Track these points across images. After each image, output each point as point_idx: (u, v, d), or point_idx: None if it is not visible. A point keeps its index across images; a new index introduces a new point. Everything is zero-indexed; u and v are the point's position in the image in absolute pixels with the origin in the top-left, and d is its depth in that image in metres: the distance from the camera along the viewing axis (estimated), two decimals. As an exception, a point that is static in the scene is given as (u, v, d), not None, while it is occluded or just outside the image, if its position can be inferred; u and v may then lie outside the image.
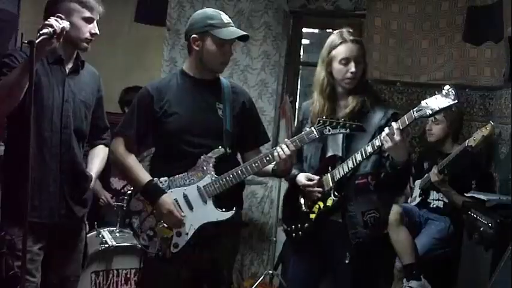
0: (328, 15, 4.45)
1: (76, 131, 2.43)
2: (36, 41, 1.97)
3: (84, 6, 2.36)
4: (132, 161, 2.45)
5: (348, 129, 2.27)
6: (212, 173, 2.37)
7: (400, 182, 2.59)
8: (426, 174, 3.53)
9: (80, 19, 2.36)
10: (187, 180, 2.39)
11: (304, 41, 4.68)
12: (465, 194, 3.37)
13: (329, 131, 2.27)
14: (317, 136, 2.29)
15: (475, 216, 3.10)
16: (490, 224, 2.92)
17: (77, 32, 2.35)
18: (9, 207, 2.33)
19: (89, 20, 2.38)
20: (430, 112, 2.21)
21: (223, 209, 2.38)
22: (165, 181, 2.40)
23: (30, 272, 2.29)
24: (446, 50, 4.03)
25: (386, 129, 2.25)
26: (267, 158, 2.34)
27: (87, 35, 2.39)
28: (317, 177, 2.48)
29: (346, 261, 2.41)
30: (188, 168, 2.39)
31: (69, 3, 2.34)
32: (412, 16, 4.13)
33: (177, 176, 2.40)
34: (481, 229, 2.98)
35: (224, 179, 2.36)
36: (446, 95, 2.18)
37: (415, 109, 2.24)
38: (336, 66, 2.47)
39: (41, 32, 2.04)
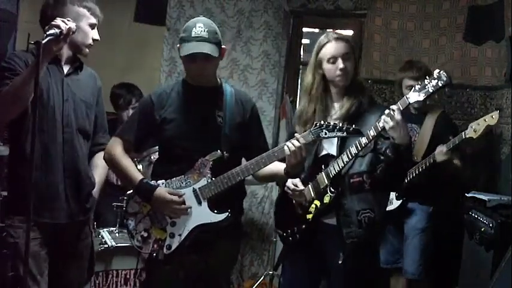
0: (328, 14, 4.45)
1: (79, 130, 2.43)
2: (43, 42, 1.95)
3: (92, 13, 2.42)
4: (127, 162, 2.47)
5: (345, 133, 2.25)
6: (208, 175, 2.36)
7: (400, 171, 2.49)
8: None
9: (86, 25, 2.40)
10: (184, 183, 2.40)
11: (304, 41, 4.67)
12: (466, 194, 3.35)
13: (325, 134, 2.26)
14: (313, 138, 2.28)
15: (475, 216, 3.10)
16: (490, 225, 2.91)
17: (83, 37, 2.40)
18: (15, 209, 2.32)
19: (93, 26, 2.43)
20: (424, 96, 2.22)
21: (218, 211, 2.37)
22: (162, 184, 2.41)
23: (34, 276, 2.27)
24: (447, 50, 4.02)
25: (386, 111, 2.25)
26: (263, 160, 2.33)
27: (90, 40, 2.44)
28: (302, 187, 2.42)
29: (340, 262, 2.38)
30: (186, 171, 2.40)
31: (79, 8, 2.38)
32: (413, 16, 4.14)
33: (174, 178, 2.41)
34: (482, 229, 2.98)
35: (219, 181, 2.35)
36: (438, 78, 2.19)
37: (408, 94, 2.25)
38: (326, 66, 2.47)
39: (47, 33, 2.02)
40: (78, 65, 2.47)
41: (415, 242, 3.43)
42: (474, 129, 3.04)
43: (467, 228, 3.23)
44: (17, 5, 4.13)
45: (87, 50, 2.44)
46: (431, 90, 2.21)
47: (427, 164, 3.28)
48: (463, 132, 3.07)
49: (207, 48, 2.33)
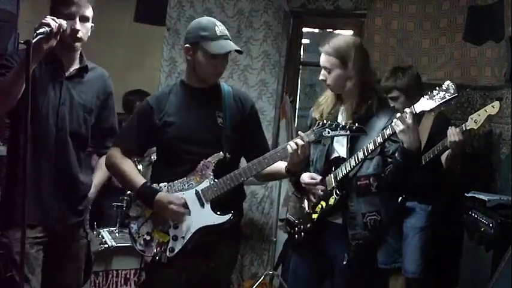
0: (328, 14, 4.45)
1: (72, 135, 2.39)
2: (33, 41, 1.94)
3: (62, 3, 2.30)
4: (128, 167, 2.46)
5: (348, 131, 2.25)
6: (211, 177, 2.36)
7: (408, 176, 2.41)
8: None
9: (60, 16, 2.25)
10: (186, 185, 2.39)
11: (304, 41, 4.67)
12: (466, 194, 3.35)
13: (328, 133, 2.27)
14: (316, 137, 2.28)
15: (475, 216, 3.10)
16: (490, 225, 2.91)
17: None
18: (6, 209, 2.32)
19: (68, 16, 2.29)
20: (431, 107, 2.23)
21: (221, 213, 2.37)
22: (164, 186, 2.40)
23: (25, 275, 2.24)
24: (447, 50, 4.02)
25: (398, 114, 2.27)
26: (266, 160, 2.32)
27: (68, 31, 2.29)
28: (320, 177, 2.46)
29: (344, 263, 2.40)
30: (188, 173, 2.39)
31: (52, 1, 2.32)
32: (413, 16, 4.13)
33: (176, 181, 2.40)
34: (482, 229, 2.98)
35: (222, 182, 2.35)
36: (446, 90, 2.21)
37: (415, 104, 2.27)
38: None
39: (37, 32, 2.01)
40: (82, 67, 2.43)
41: (415, 241, 3.43)
42: (475, 120, 2.97)
43: (467, 228, 3.23)
44: (17, 5, 4.13)
45: (73, 42, 2.33)
46: (438, 102, 2.22)
47: (440, 148, 3.12)
48: (463, 124, 3.01)
49: (235, 46, 2.38)
